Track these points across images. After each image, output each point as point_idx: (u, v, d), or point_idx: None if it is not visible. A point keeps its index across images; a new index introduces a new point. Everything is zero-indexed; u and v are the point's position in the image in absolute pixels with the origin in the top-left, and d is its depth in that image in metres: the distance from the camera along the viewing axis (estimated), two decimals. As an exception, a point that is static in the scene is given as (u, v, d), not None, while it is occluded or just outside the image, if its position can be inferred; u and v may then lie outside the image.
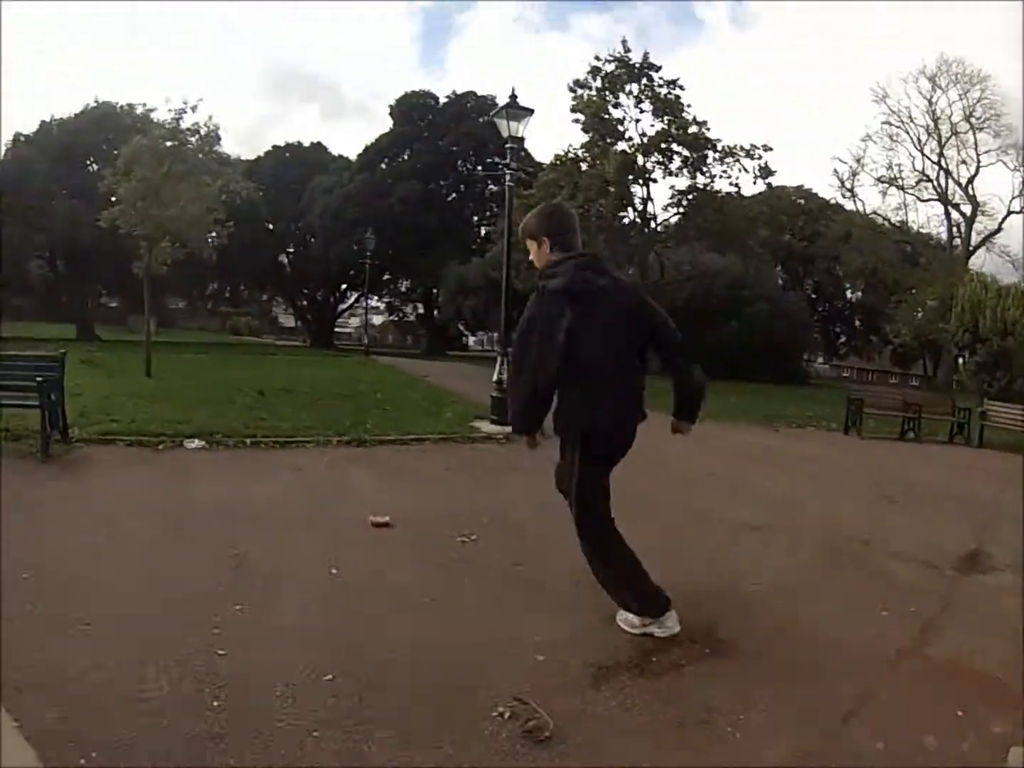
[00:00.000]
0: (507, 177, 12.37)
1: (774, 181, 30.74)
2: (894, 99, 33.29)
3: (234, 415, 10.26)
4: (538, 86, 66.04)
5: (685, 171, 29.18)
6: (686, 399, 3.80)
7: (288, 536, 5.08)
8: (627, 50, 28.88)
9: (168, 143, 16.87)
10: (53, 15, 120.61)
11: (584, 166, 28.89)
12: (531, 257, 3.78)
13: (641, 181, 29.74)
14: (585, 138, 29.81)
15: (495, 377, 11.23)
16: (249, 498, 6.12)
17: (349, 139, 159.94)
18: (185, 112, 16.92)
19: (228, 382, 15.31)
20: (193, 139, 17.27)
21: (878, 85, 32.84)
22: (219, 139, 18.39)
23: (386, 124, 50.05)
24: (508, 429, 10.03)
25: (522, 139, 12.12)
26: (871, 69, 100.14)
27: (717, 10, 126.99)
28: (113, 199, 16.60)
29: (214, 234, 18.34)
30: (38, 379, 7.54)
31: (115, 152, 33.40)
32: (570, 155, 29.70)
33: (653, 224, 31.14)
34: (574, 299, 3.41)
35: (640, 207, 30.64)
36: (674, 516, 6.44)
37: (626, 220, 31.25)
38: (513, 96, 11.47)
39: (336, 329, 61.99)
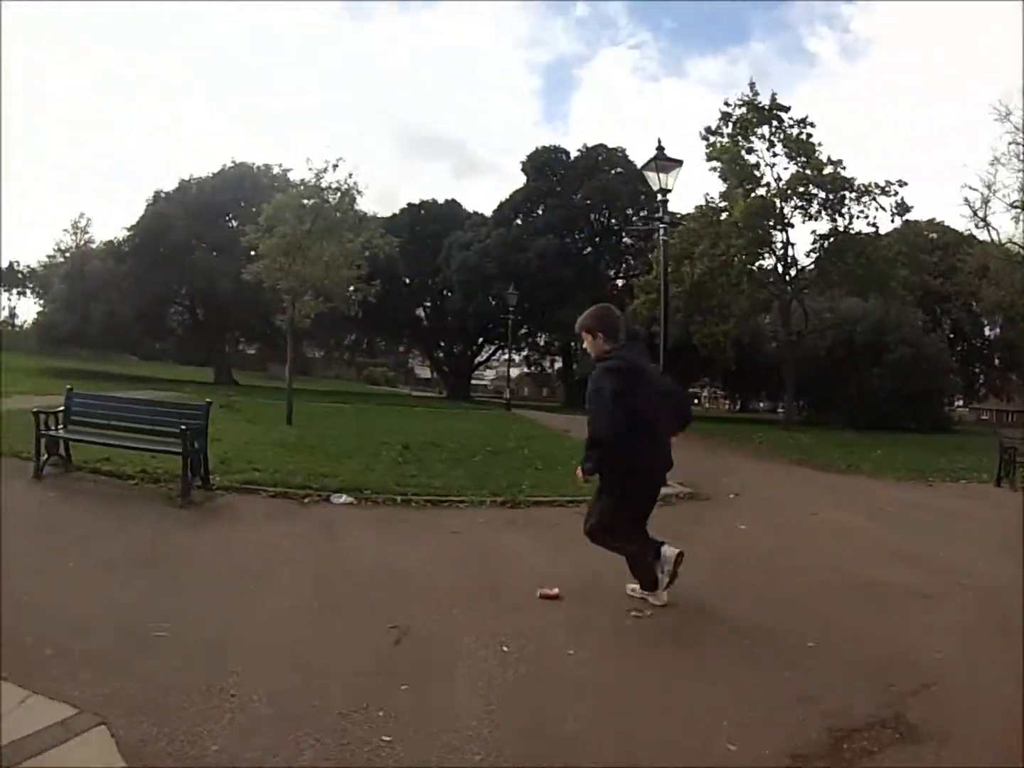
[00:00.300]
0: (661, 231, 11.96)
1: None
2: (1018, 115, 30.05)
3: (382, 469, 9.98)
4: (661, 133, 65.69)
5: (823, 214, 28.18)
6: (681, 427, 5.11)
7: (451, 607, 4.74)
8: (755, 93, 28.24)
9: (309, 200, 17.31)
10: (192, 83, 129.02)
11: (725, 215, 28.01)
12: (585, 345, 5.09)
13: (780, 226, 28.79)
14: (723, 186, 29.06)
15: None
16: (405, 562, 5.79)
17: (481, 195, 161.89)
18: (325, 171, 17.38)
19: (371, 433, 15.18)
20: (334, 197, 17.63)
21: (1000, 102, 29.38)
22: (359, 196, 18.59)
23: (516, 179, 50.88)
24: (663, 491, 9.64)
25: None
26: (993, 85, 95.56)
27: (825, 41, 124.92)
28: (252, 253, 17.13)
29: (352, 288, 18.62)
30: (182, 427, 7.69)
31: (252, 209, 35.44)
32: (710, 204, 28.91)
33: (794, 270, 30.16)
34: (625, 374, 4.61)
35: (780, 252, 29.74)
36: (836, 580, 5.96)
37: (767, 266, 30.32)
38: (660, 148, 11.09)
39: (472, 381, 62.32)
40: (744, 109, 28.42)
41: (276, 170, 43.79)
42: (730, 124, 28.65)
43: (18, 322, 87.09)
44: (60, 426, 8.61)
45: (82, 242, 46.95)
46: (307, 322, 17.70)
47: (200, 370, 46.57)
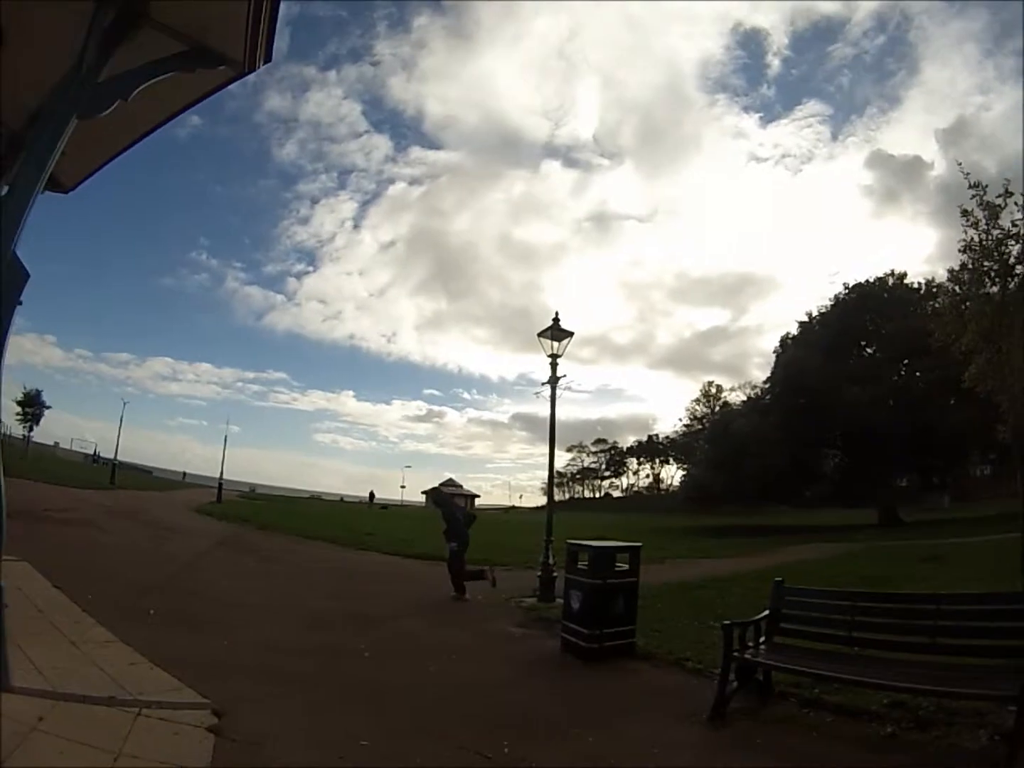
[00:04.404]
0: None
1: None
2: None
3: None
4: None
5: None
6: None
7: None
8: None
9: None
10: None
11: None
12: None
13: None
14: None
15: None
16: None
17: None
18: None
19: None
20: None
21: None
22: None
23: None
24: None
25: None
26: None
27: None
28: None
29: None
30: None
31: (882, 332, 32.44)
32: None
33: None
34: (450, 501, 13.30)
35: None
36: None
37: None
38: None
39: None
40: None
41: (890, 281, 40.80)
42: None
43: (663, 485, 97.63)
44: (761, 640, 6.04)
45: (716, 408, 48.71)
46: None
47: (854, 512, 42.66)
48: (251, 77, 4.81)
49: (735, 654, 5.73)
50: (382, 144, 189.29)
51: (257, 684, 5.74)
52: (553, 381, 12.73)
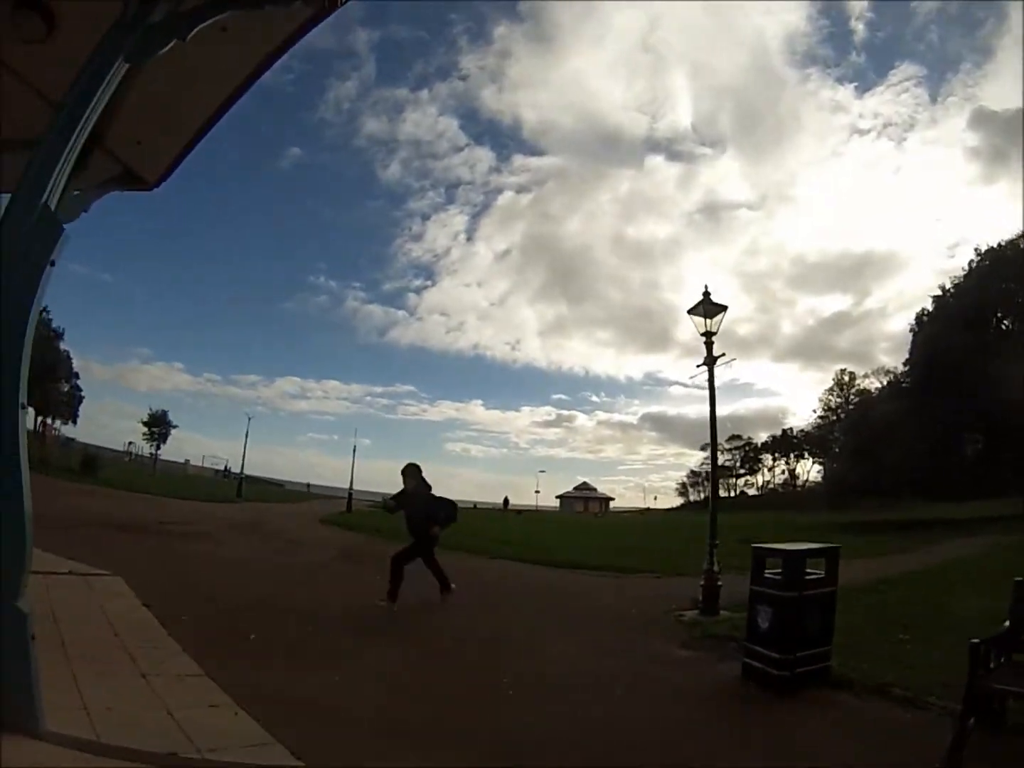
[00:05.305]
0: None
1: None
2: None
3: None
4: None
5: None
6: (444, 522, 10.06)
7: None
8: None
9: None
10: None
11: None
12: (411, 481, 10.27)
13: None
14: None
15: None
16: None
17: None
18: None
19: None
20: None
21: None
22: None
23: None
24: None
25: None
26: None
27: None
28: None
29: None
30: None
31: (1019, 300, 29.87)
32: None
33: None
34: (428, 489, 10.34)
35: None
36: None
37: None
38: None
39: None
40: None
41: (1022, 243, 37.79)
42: None
43: (799, 481, 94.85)
44: (1002, 659, 4.81)
45: (850, 397, 46.50)
46: None
47: (1000, 502, 38.71)
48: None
49: (978, 678, 4.46)
50: (484, 156, 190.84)
51: (368, 737, 4.49)
52: (710, 362, 11.41)
